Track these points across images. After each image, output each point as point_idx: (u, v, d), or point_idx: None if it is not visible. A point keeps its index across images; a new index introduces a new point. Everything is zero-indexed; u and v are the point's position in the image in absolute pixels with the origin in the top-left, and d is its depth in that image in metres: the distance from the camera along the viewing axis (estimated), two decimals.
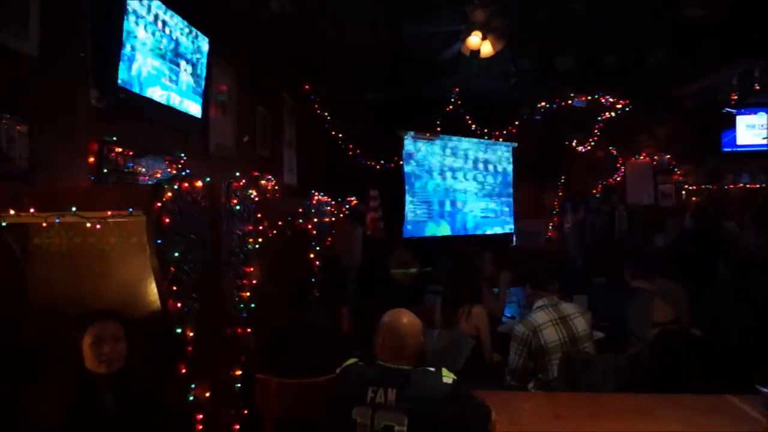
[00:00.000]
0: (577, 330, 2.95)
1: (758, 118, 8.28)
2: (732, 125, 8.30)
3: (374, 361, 1.99)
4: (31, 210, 2.07)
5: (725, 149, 8.37)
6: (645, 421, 2.15)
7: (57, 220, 2.08)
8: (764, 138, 7.91)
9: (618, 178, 8.70)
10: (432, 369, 1.91)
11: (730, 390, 2.37)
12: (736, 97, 7.10)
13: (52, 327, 2.13)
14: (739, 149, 8.34)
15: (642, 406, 2.32)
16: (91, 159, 2.86)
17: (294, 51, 5.70)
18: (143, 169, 3.30)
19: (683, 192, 8.42)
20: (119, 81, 2.92)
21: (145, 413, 1.91)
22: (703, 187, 8.38)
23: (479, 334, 3.51)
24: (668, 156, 8.52)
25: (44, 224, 2.11)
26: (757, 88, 6.45)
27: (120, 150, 3.05)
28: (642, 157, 8.61)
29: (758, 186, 8.16)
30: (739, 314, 2.84)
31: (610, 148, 8.62)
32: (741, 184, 8.24)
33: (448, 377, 1.87)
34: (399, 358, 1.93)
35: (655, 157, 8.56)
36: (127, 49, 2.97)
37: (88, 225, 2.08)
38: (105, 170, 2.93)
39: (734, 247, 4.71)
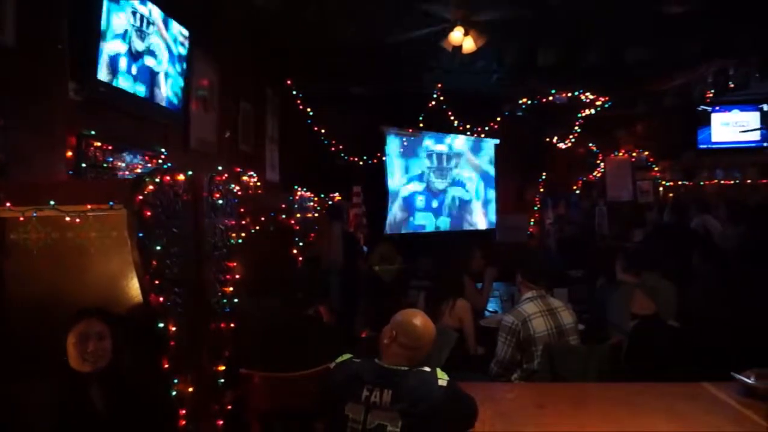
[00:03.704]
0: (563, 322, 3.02)
1: (732, 116, 8.49)
2: (707, 123, 8.50)
3: (371, 358, 1.96)
4: (7, 204, 2.03)
5: (701, 146, 8.57)
6: (625, 408, 2.20)
7: (34, 215, 2.03)
8: (741, 131, 8.11)
9: (598, 175, 8.84)
10: (427, 369, 1.88)
11: (706, 378, 2.43)
12: (711, 95, 7.27)
13: (31, 324, 2.09)
14: (714, 146, 8.55)
15: (622, 394, 2.37)
16: (69, 153, 2.80)
17: (277, 46, 5.67)
18: (122, 164, 3.25)
19: (661, 188, 8.60)
20: (98, 73, 2.87)
21: (133, 409, 1.89)
22: (679, 183, 8.56)
23: (463, 327, 3.55)
24: (646, 153, 8.68)
25: (21, 218, 2.05)
26: (732, 86, 6.61)
27: (99, 144, 3.00)
28: (621, 154, 8.76)
29: (732, 181, 8.37)
30: (714, 304, 2.92)
31: (590, 144, 8.76)
32: (715, 180, 8.45)
33: (443, 379, 1.85)
34: (403, 360, 1.89)
35: (634, 154, 8.71)
36: (106, 40, 2.92)
37: (67, 219, 2.03)
38: (83, 165, 2.88)
39: (710, 239, 4.82)
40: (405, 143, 7.72)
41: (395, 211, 7.57)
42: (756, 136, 8.33)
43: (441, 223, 8.27)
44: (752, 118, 8.46)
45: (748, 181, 8.35)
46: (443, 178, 8.30)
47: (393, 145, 7.58)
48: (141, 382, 1.98)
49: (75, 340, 1.86)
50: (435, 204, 8.26)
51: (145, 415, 1.91)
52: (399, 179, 7.66)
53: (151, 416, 1.93)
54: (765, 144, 8.44)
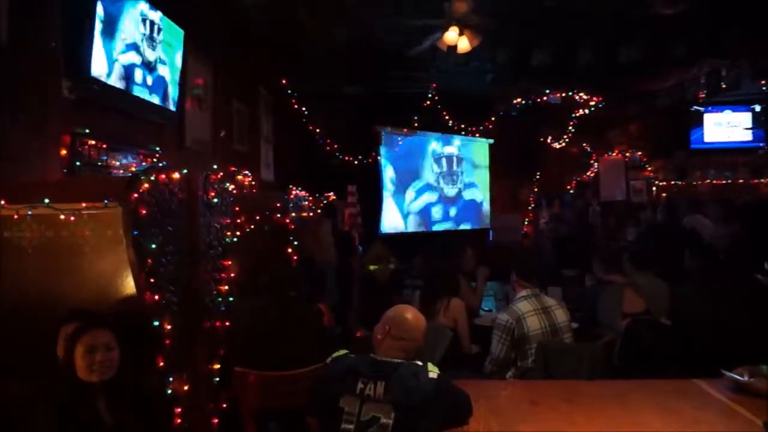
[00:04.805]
0: (557, 320, 3.05)
1: (724, 116, 8.57)
2: (700, 123, 8.57)
3: (366, 353, 1.98)
4: (2, 202, 2.03)
5: (693, 146, 8.64)
6: (617, 404, 2.22)
7: (29, 213, 2.04)
8: (745, 128, 8.19)
9: (591, 174, 8.89)
10: (419, 363, 1.91)
11: (696, 374, 2.46)
12: (703, 96, 7.33)
13: (25, 323, 2.09)
14: (706, 146, 8.62)
15: (614, 391, 2.38)
16: (64, 152, 2.79)
17: (271, 45, 5.67)
18: (117, 163, 3.24)
19: (654, 187, 8.66)
20: (92, 72, 2.87)
21: (138, 417, 1.89)
22: (672, 182, 8.63)
23: (457, 326, 3.57)
24: (639, 152, 8.74)
25: (15, 216, 2.06)
26: (724, 86, 6.67)
27: (93, 143, 2.99)
28: (614, 154, 8.81)
29: (724, 181, 8.45)
30: (705, 302, 2.95)
31: (584, 144, 8.80)
32: (708, 180, 8.53)
33: (433, 372, 1.88)
34: (397, 352, 1.93)
35: (627, 154, 8.77)
36: (100, 38, 2.91)
37: (62, 217, 2.04)
38: (78, 163, 2.87)
39: (701, 238, 4.86)
40: (399, 142, 7.69)
41: (389, 211, 7.54)
42: (748, 135, 8.41)
43: (435, 222, 8.26)
44: (744, 119, 8.54)
45: (740, 180, 8.43)
46: (454, 184, 8.28)
47: (387, 144, 7.57)
48: (142, 384, 1.98)
49: (83, 351, 1.85)
50: (453, 212, 8.22)
51: (148, 419, 1.91)
52: (393, 178, 7.63)
53: (152, 419, 1.94)
54: (757, 144, 8.53)
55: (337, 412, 1.84)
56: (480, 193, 8.67)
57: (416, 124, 7.76)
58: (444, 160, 8.15)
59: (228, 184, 2.70)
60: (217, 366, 2.42)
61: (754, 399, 2.16)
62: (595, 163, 8.85)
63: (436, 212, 8.08)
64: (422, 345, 2.02)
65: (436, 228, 8.03)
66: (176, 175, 2.20)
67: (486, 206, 8.83)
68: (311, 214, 4.29)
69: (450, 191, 8.21)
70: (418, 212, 7.85)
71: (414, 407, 1.80)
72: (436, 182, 8.08)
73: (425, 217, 7.94)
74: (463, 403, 1.96)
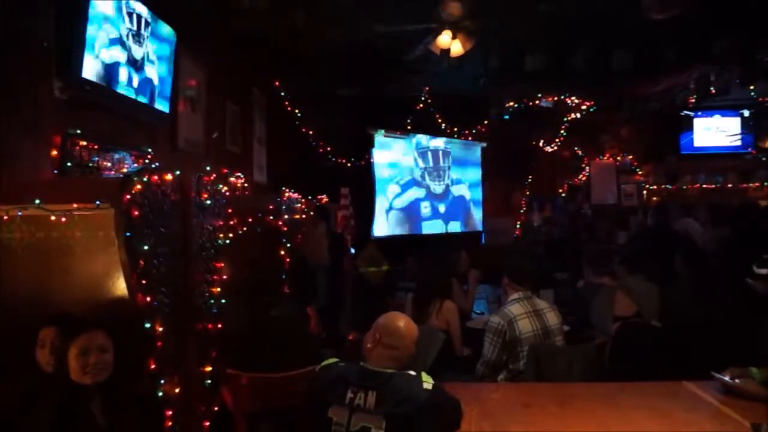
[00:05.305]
0: (549, 323, 3.06)
1: (714, 121, 8.67)
2: (690, 128, 8.66)
3: (357, 362, 1.96)
4: None
5: (683, 151, 8.73)
6: (609, 406, 2.23)
7: (19, 213, 2.03)
8: (732, 139, 8.29)
9: (583, 178, 8.94)
10: (412, 373, 1.88)
11: (686, 377, 2.48)
12: (693, 101, 7.41)
13: (15, 324, 2.07)
14: (696, 151, 8.71)
15: (606, 393, 2.40)
16: (54, 152, 2.77)
17: (265, 47, 5.66)
18: (108, 164, 3.22)
19: (644, 191, 8.73)
20: (83, 72, 2.85)
21: (132, 419, 1.88)
22: (662, 186, 8.71)
23: (449, 328, 3.58)
24: (630, 157, 8.81)
25: (6, 217, 2.05)
26: (713, 91, 6.74)
27: (84, 144, 2.97)
28: (606, 158, 8.88)
29: (714, 186, 8.54)
30: (695, 305, 2.98)
31: (576, 148, 8.86)
32: (698, 184, 8.62)
33: (427, 383, 1.85)
34: (389, 362, 1.90)
35: (618, 158, 8.84)
36: (92, 38, 2.90)
37: (53, 218, 2.03)
38: (69, 164, 2.85)
39: (691, 242, 4.91)
40: (393, 145, 7.69)
41: (382, 213, 7.51)
42: (737, 140, 8.51)
43: (452, 228, 8.07)
44: (733, 124, 8.64)
45: (729, 185, 8.52)
46: (440, 180, 8.20)
47: (381, 146, 7.55)
48: (135, 387, 1.97)
49: (76, 353, 1.83)
50: (442, 209, 8.07)
51: (142, 422, 1.90)
52: (386, 181, 7.61)
53: (145, 421, 1.93)
54: (746, 149, 8.63)
55: (325, 422, 1.82)
56: (467, 190, 8.60)
57: (409, 127, 7.77)
58: (430, 154, 8.07)
59: (221, 186, 2.69)
60: (209, 368, 2.41)
61: (743, 401, 2.19)
62: (587, 167, 8.91)
63: (425, 208, 7.93)
64: (414, 354, 1.99)
65: (425, 226, 7.88)
66: (169, 177, 2.19)
67: (478, 209, 8.83)
68: (304, 216, 4.28)
69: (437, 188, 8.11)
70: (404, 209, 7.76)
71: (407, 418, 1.78)
72: (421, 178, 7.95)
73: (414, 215, 7.84)
74: (456, 411, 1.94)
